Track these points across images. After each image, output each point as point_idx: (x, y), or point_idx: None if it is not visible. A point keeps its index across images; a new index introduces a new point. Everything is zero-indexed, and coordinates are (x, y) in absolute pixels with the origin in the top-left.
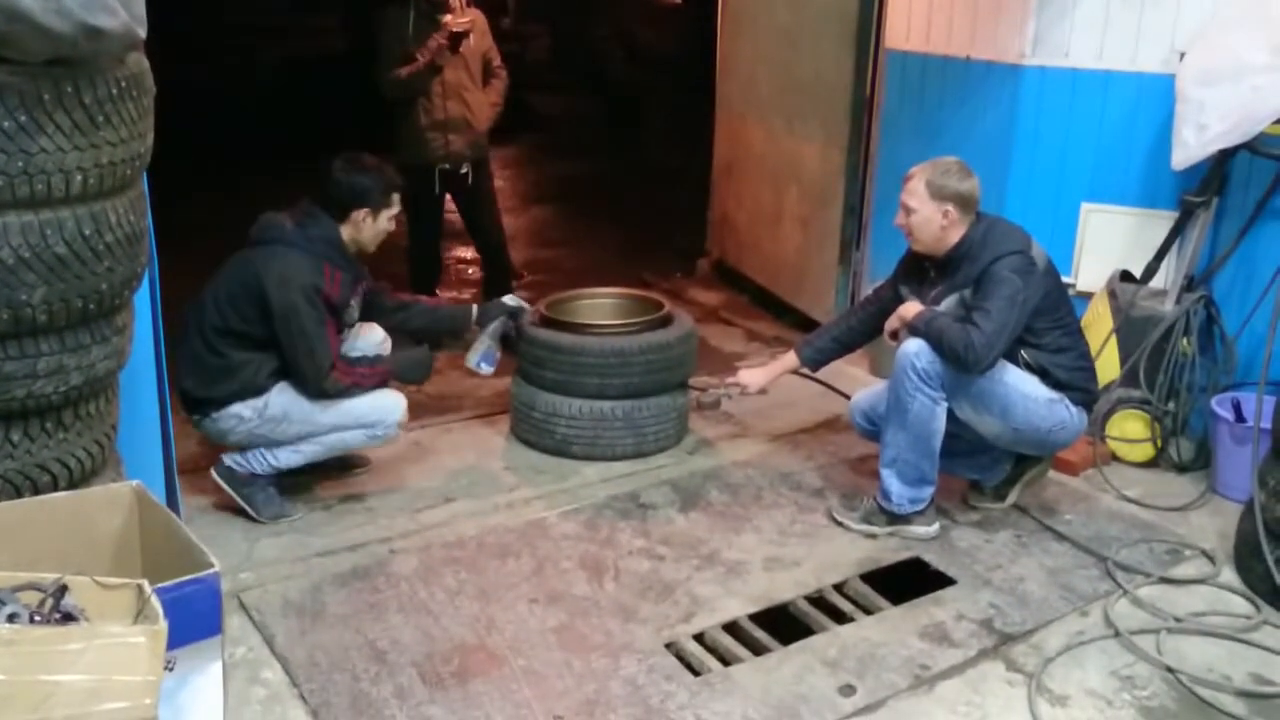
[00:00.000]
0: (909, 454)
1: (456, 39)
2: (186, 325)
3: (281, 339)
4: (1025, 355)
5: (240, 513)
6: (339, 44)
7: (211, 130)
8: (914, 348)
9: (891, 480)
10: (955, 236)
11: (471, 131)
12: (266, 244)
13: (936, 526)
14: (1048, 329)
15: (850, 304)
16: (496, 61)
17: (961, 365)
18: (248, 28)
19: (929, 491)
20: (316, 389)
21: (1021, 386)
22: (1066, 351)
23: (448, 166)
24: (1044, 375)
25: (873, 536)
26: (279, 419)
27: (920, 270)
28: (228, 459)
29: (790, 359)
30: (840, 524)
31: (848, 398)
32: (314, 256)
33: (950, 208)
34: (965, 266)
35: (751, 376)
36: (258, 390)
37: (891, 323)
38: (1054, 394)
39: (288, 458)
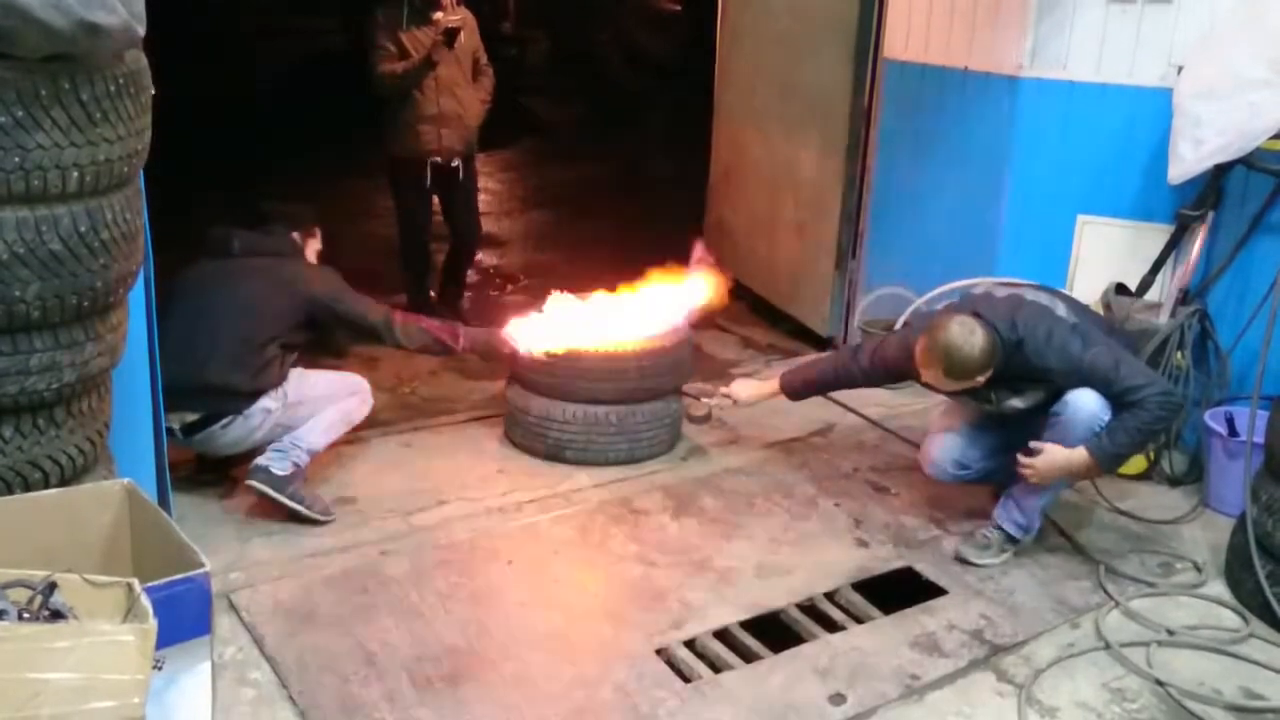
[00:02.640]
0: (1043, 505)
1: (451, 35)
2: (214, 334)
3: (342, 319)
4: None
5: (231, 512)
6: (339, 44)
7: (212, 129)
8: (1094, 408)
9: (1039, 519)
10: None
11: (463, 127)
12: (272, 255)
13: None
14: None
15: (845, 313)
16: (484, 60)
17: (1172, 420)
18: (248, 29)
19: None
20: (392, 338)
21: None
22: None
23: (439, 160)
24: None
25: (1007, 554)
26: (295, 403)
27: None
28: (263, 461)
29: (776, 386)
30: (978, 565)
31: (846, 408)
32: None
33: (981, 376)
34: (1022, 377)
35: (743, 390)
36: (282, 380)
37: (1046, 475)
38: None
39: (320, 438)
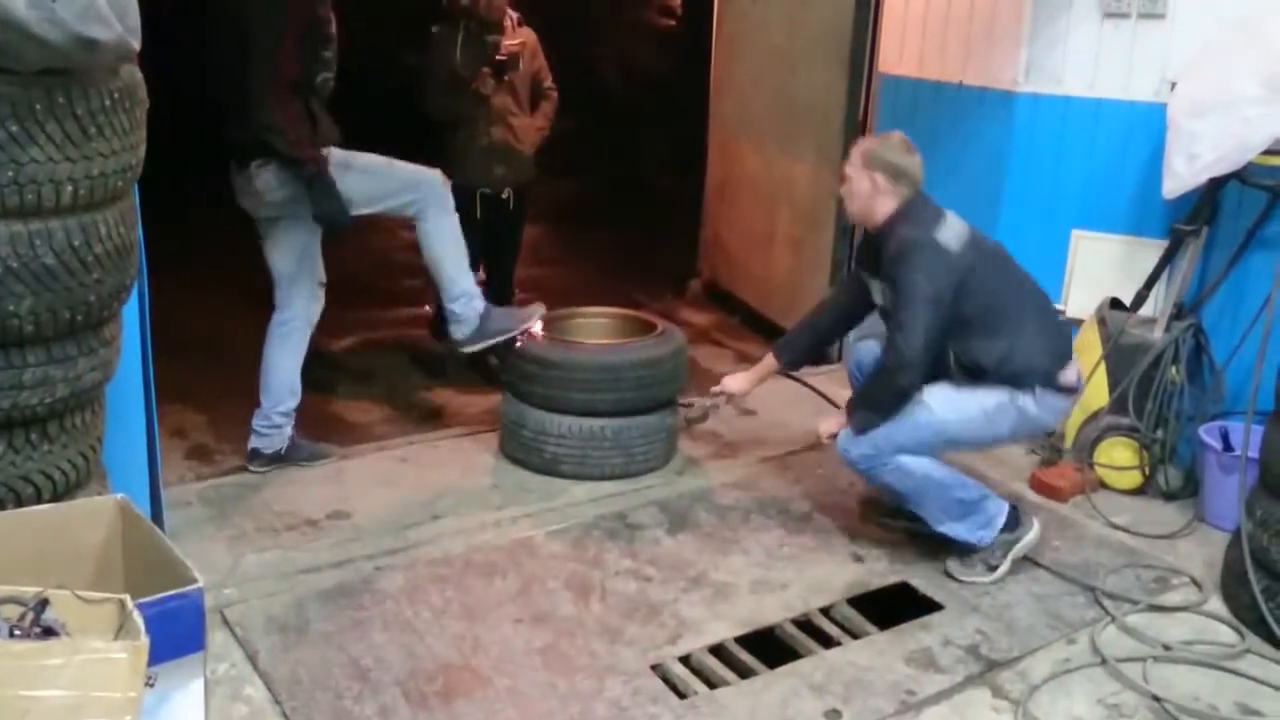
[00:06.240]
0: (937, 503)
1: (502, 68)
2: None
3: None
4: (955, 353)
5: (224, 528)
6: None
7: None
8: (841, 444)
9: (955, 529)
10: (885, 209)
11: (515, 157)
12: None
13: (1035, 524)
14: (978, 314)
15: None
16: (547, 83)
17: (899, 394)
18: None
19: (990, 506)
20: (263, 125)
21: (949, 413)
22: (999, 335)
23: (489, 191)
24: (979, 372)
25: (999, 571)
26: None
27: (873, 253)
28: (454, 329)
29: (770, 362)
30: (972, 583)
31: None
32: None
33: (879, 176)
34: (886, 260)
35: (736, 383)
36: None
37: (825, 434)
38: (995, 398)
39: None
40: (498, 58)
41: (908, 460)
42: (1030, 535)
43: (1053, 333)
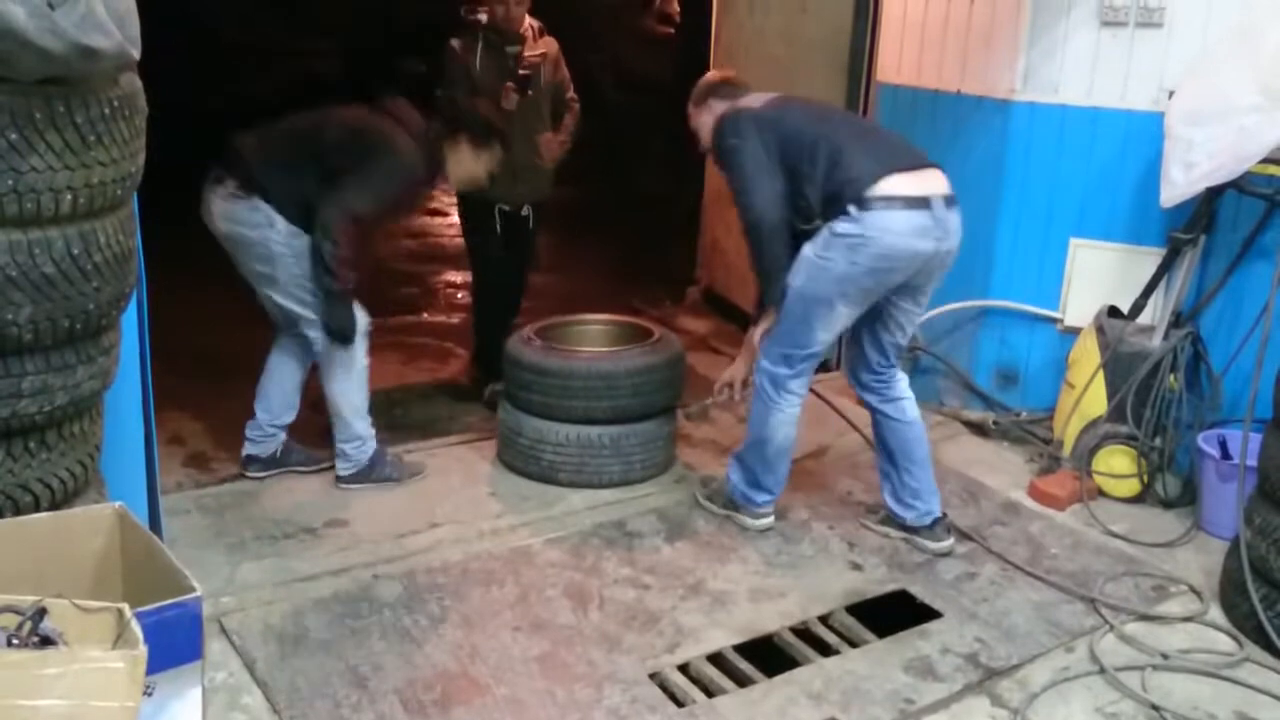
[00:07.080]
0: (751, 457)
1: (525, 83)
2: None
3: (349, 166)
4: (794, 206)
5: (222, 536)
6: (334, 69)
7: (206, 153)
8: (760, 360)
9: (735, 479)
10: None
11: (537, 173)
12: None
13: (766, 523)
14: (798, 155)
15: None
16: (569, 94)
17: (768, 243)
18: (243, 48)
19: (765, 499)
20: (324, 227)
21: (793, 278)
22: (815, 172)
23: (508, 208)
24: (814, 214)
25: (712, 513)
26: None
27: None
28: (339, 464)
29: (750, 337)
30: (697, 501)
31: (840, 424)
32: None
33: (713, 102)
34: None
35: (733, 371)
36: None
37: (758, 335)
38: (819, 239)
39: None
40: (520, 71)
41: (778, 417)
42: (749, 521)
43: (876, 151)
